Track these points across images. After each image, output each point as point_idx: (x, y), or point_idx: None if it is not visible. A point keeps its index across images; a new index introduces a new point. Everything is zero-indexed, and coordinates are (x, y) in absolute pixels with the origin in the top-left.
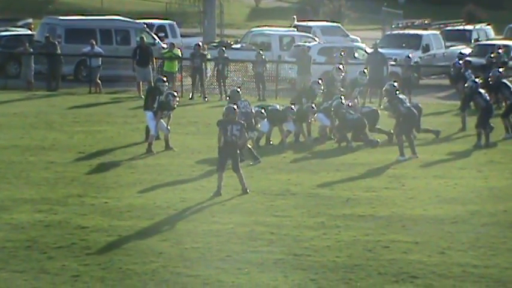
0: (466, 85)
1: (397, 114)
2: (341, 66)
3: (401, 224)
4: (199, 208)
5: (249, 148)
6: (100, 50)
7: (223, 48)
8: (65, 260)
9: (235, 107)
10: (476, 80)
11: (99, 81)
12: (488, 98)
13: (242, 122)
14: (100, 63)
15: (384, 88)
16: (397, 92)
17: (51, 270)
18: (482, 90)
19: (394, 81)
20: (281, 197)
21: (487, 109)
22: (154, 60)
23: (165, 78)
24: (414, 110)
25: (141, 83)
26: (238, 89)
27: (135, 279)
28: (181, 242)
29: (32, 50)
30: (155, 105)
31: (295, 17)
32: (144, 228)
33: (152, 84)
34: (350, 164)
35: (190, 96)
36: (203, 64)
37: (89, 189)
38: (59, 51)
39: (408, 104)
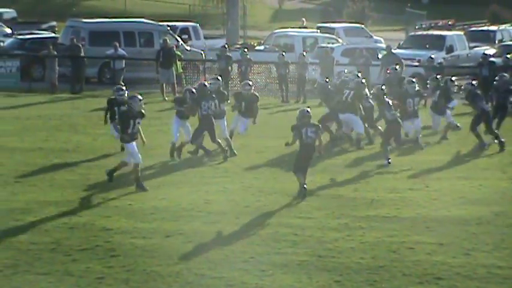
0: (463, 87)
1: (383, 118)
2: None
3: (425, 225)
4: (223, 210)
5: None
6: (123, 52)
7: (246, 50)
8: (89, 262)
9: (308, 109)
10: (474, 82)
11: (122, 84)
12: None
13: (317, 124)
14: (123, 65)
15: (371, 91)
16: (385, 96)
17: (75, 273)
18: (479, 93)
19: (412, 79)
20: (304, 199)
21: (486, 114)
22: (178, 62)
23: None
24: (399, 120)
25: (164, 85)
26: (206, 83)
27: (159, 281)
28: (205, 243)
29: (56, 52)
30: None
31: (304, 19)
32: (168, 230)
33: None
34: (374, 165)
35: None
36: (229, 66)
37: (113, 191)
38: (82, 54)
39: (394, 112)
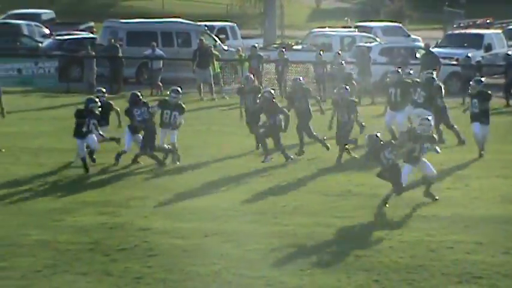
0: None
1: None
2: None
3: (464, 224)
4: (260, 210)
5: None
6: (161, 52)
7: (283, 50)
8: (128, 262)
9: (378, 133)
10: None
11: (160, 84)
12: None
13: (392, 143)
14: (161, 65)
15: (263, 94)
16: (274, 100)
17: (114, 273)
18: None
19: (480, 78)
20: (342, 198)
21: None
22: (215, 62)
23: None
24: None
25: (201, 84)
26: (138, 93)
27: (197, 280)
28: (244, 243)
29: (94, 53)
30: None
31: (348, 18)
32: (206, 230)
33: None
34: None
35: None
36: (260, 65)
37: (151, 191)
38: (120, 54)
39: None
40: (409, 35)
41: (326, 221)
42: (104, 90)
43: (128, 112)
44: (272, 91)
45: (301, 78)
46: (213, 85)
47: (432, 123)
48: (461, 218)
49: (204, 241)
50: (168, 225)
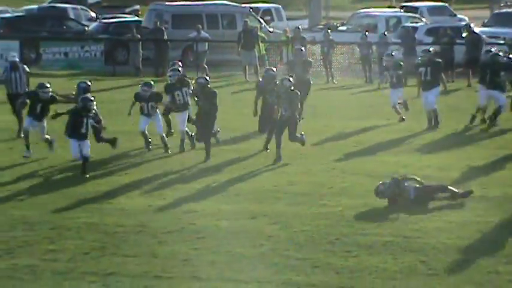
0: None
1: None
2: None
3: None
4: (307, 191)
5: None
6: (206, 35)
7: (329, 30)
8: (175, 244)
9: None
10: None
11: (205, 66)
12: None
13: (416, 178)
14: (206, 48)
15: (197, 81)
16: (209, 86)
17: (161, 255)
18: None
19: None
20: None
21: None
22: (261, 44)
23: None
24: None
25: (246, 66)
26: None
27: (244, 262)
28: (290, 225)
29: (139, 36)
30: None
31: None
32: (252, 212)
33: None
34: (460, 144)
35: None
36: (303, 47)
37: (195, 173)
38: (165, 37)
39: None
40: (455, 15)
41: (373, 202)
42: (48, 85)
43: (85, 100)
44: (207, 77)
45: (274, 69)
46: (258, 67)
47: None
48: (509, 198)
49: (251, 223)
50: (214, 207)
